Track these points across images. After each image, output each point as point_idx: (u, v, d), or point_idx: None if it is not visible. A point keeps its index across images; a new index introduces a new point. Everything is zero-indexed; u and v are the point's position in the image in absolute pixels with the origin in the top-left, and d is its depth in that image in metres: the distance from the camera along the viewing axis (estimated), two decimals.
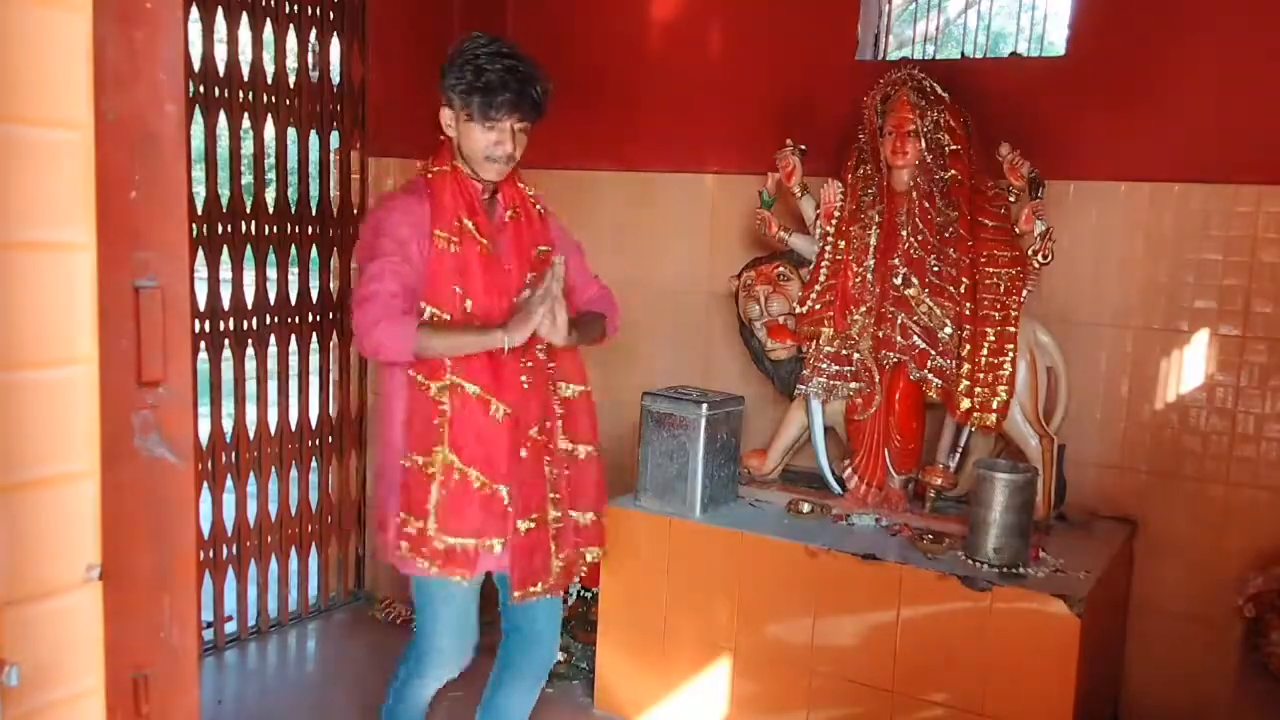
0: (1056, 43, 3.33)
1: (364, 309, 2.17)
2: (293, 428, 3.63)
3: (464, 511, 2.20)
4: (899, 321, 2.97)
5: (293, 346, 3.62)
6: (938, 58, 3.62)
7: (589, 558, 2.43)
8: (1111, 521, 3.07)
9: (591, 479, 2.41)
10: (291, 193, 3.54)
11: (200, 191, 3.35)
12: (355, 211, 3.73)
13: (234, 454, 3.45)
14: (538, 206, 2.38)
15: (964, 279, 2.90)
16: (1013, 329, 2.86)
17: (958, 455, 3.01)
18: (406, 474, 2.22)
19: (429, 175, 2.27)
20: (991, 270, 2.87)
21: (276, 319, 3.54)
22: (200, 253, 3.27)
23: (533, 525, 2.26)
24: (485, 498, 2.21)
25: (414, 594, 2.38)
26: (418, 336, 2.13)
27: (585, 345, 2.36)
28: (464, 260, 2.21)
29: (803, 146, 3.14)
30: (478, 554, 2.22)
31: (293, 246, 3.56)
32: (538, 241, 2.33)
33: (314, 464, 3.73)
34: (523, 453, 2.24)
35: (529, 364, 2.24)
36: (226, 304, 3.37)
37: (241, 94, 3.32)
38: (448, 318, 2.19)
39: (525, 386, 2.23)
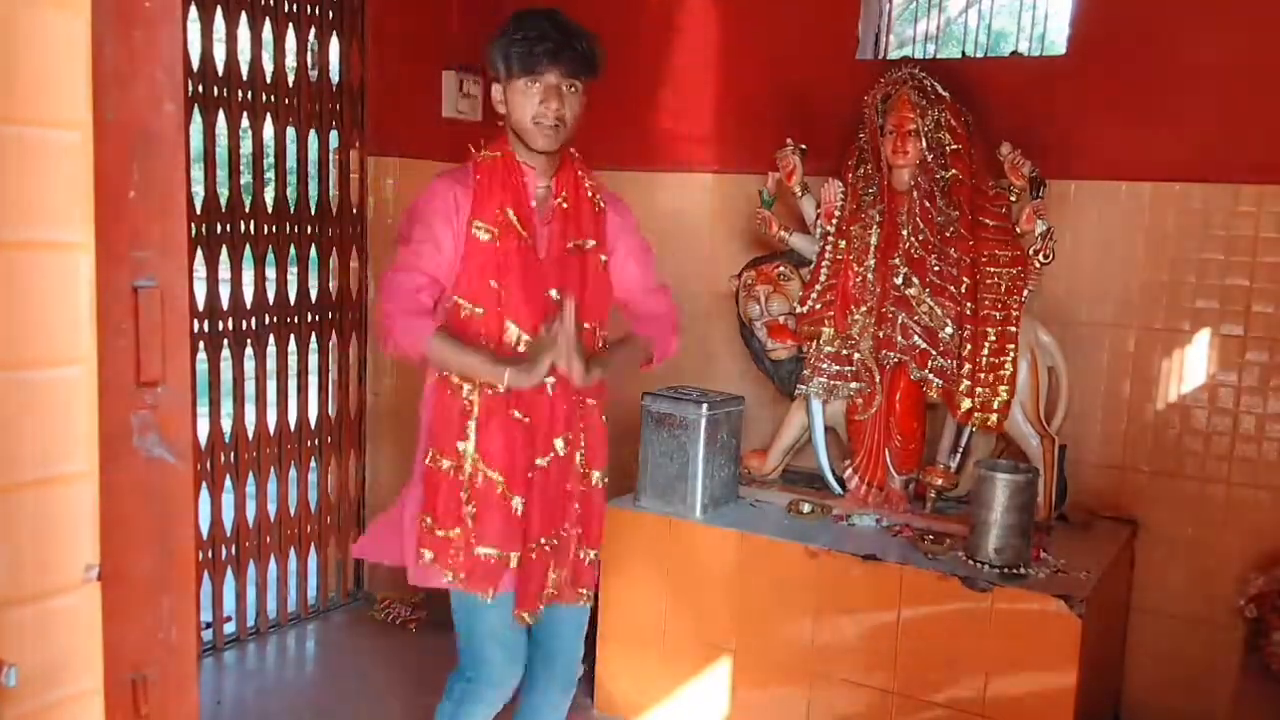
0: (1057, 42, 3.32)
1: (387, 298, 2.08)
2: (292, 428, 3.63)
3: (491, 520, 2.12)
4: (899, 321, 2.96)
5: (292, 346, 3.62)
6: (938, 57, 3.62)
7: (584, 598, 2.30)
8: (1112, 522, 3.06)
9: (598, 511, 2.31)
10: (291, 192, 3.54)
11: (199, 191, 3.34)
12: (355, 211, 3.73)
13: (233, 454, 3.45)
14: (595, 197, 2.22)
15: (965, 279, 2.90)
16: (1014, 329, 2.85)
17: (958, 455, 3.01)
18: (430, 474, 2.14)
19: (479, 160, 2.15)
20: (992, 270, 2.87)
21: (276, 319, 3.53)
22: (199, 252, 3.27)
23: (546, 547, 2.18)
24: (506, 508, 2.12)
25: (453, 609, 2.23)
26: (431, 342, 2.04)
27: (621, 378, 2.22)
28: (502, 253, 2.09)
29: (803, 146, 3.13)
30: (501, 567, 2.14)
31: (292, 246, 3.55)
32: (584, 235, 2.18)
33: (313, 464, 3.73)
34: (541, 462, 2.15)
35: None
36: (225, 304, 3.36)
37: (240, 93, 3.32)
38: (480, 311, 2.09)
39: (550, 392, 2.12)
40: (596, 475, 2.27)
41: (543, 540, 2.17)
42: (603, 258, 2.21)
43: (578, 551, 2.26)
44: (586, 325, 2.15)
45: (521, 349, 2.09)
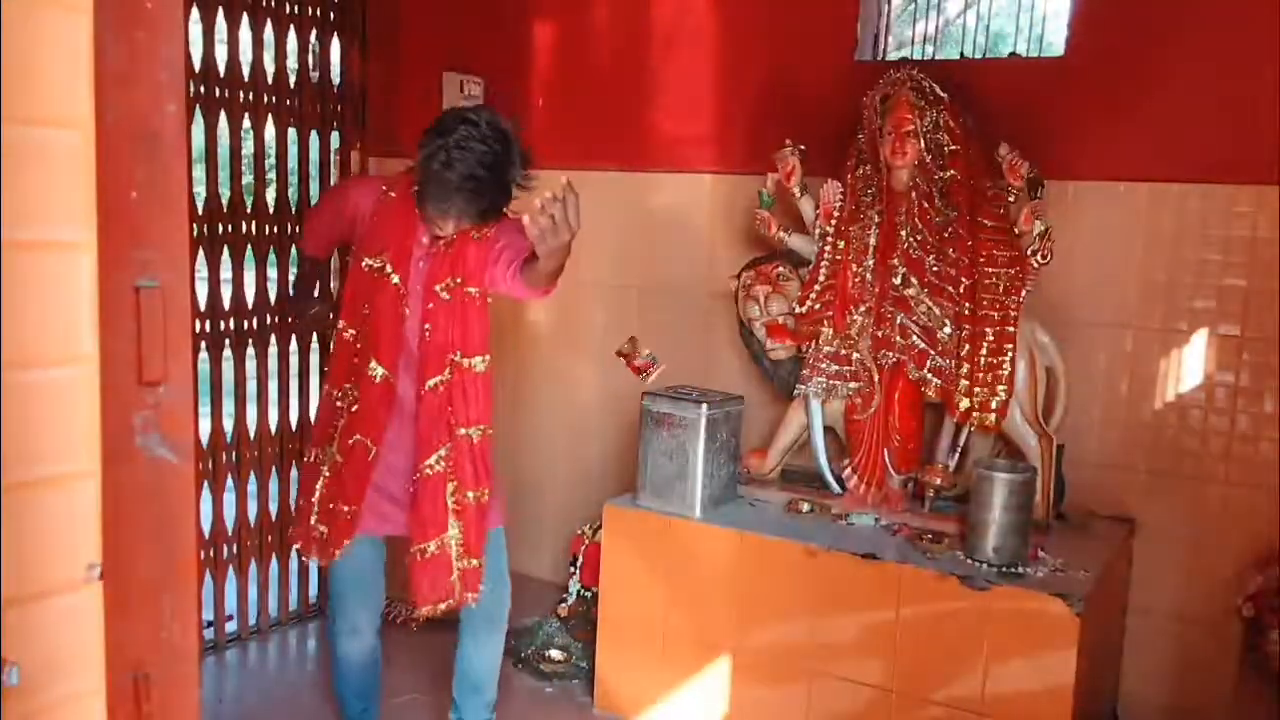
0: (1056, 43, 3.33)
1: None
2: (293, 427, 3.63)
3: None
4: (898, 321, 2.97)
5: (293, 346, 3.63)
6: (937, 58, 3.62)
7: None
8: (1110, 521, 3.07)
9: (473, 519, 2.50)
10: (291, 193, 3.54)
11: (200, 191, 3.35)
12: None
13: (235, 453, 3.45)
14: (478, 234, 2.41)
15: (963, 279, 2.90)
16: (1012, 329, 2.86)
17: (957, 455, 3.01)
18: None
19: (382, 198, 2.46)
20: (991, 270, 2.87)
21: (277, 319, 3.54)
22: (200, 253, 3.28)
23: (435, 550, 2.45)
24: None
25: None
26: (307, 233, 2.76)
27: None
28: (377, 288, 2.40)
29: (802, 146, 3.14)
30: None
31: (293, 246, 3.56)
32: (457, 273, 2.40)
33: None
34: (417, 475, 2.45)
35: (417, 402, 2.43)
36: (227, 304, 3.37)
37: (242, 94, 3.32)
38: (352, 334, 2.43)
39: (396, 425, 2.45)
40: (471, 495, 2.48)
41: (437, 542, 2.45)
42: (473, 290, 2.41)
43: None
44: (452, 356, 2.41)
45: (378, 381, 2.40)
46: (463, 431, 2.43)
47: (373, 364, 2.40)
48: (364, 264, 2.42)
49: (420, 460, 2.42)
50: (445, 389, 2.40)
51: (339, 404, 2.46)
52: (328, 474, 2.47)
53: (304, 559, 2.69)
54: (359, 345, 2.43)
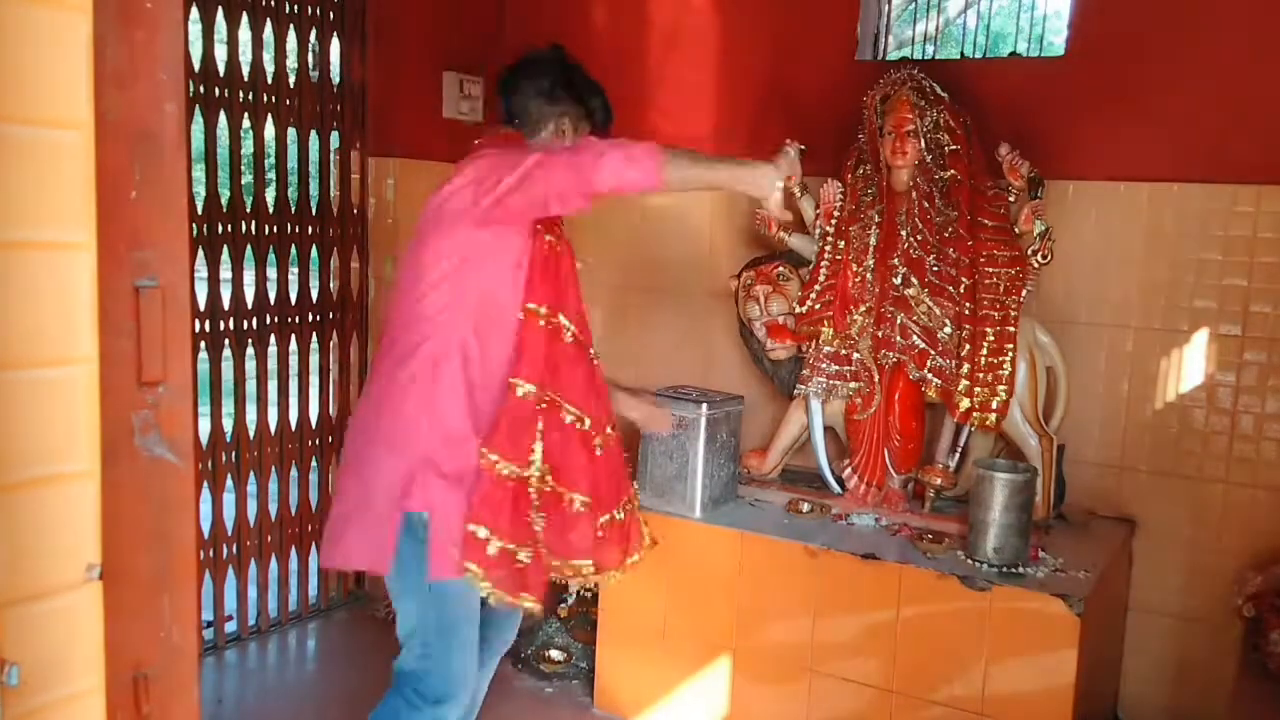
0: (1056, 43, 3.33)
1: (568, 161, 2.03)
2: (293, 427, 3.63)
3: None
4: (898, 321, 2.97)
5: (293, 346, 3.62)
6: (937, 58, 3.62)
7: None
8: (1111, 521, 3.07)
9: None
10: (291, 193, 3.54)
11: (200, 191, 3.34)
12: (355, 212, 3.74)
13: (234, 454, 3.45)
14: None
15: (963, 279, 2.90)
16: (1012, 329, 2.86)
17: (957, 455, 3.01)
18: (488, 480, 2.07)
19: None
20: (991, 270, 2.87)
21: (276, 319, 3.54)
22: (200, 252, 3.27)
23: (621, 515, 2.24)
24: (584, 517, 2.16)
25: (431, 616, 2.13)
26: (664, 152, 1.99)
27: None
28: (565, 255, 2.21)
29: (802, 146, 3.13)
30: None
31: (293, 246, 3.56)
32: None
33: (314, 464, 3.73)
34: (598, 451, 2.20)
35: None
36: (226, 304, 3.37)
37: (241, 94, 3.32)
38: (549, 318, 2.14)
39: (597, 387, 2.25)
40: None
41: (624, 504, 2.27)
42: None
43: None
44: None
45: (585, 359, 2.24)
46: None
47: (571, 335, 2.18)
48: (548, 240, 2.17)
49: (609, 423, 2.26)
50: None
51: (541, 404, 2.12)
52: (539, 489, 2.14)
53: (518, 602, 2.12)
54: (561, 326, 2.18)
